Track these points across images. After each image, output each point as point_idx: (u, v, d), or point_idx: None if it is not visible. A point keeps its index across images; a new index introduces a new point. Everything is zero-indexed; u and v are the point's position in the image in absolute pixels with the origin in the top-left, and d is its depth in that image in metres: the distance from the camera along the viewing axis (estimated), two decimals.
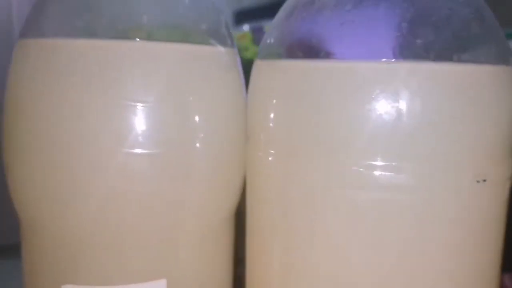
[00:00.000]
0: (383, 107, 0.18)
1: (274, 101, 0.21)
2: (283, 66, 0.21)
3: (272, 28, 0.23)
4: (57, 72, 0.21)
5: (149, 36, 0.22)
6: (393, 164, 0.18)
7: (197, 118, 0.22)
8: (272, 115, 0.21)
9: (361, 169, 0.18)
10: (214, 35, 0.24)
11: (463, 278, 0.20)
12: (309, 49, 0.20)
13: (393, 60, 0.19)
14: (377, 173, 0.18)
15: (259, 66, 0.23)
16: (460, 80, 0.19)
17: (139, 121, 0.21)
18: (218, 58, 0.23)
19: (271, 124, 0.21)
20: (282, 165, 0.21)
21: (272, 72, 0.21)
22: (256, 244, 0.24)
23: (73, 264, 0.21)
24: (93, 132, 0.20)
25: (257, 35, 0.60)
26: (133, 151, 0.20)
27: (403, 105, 0.18)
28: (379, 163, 0.18)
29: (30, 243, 0.23)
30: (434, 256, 0.19)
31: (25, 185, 0.22)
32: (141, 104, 0.21)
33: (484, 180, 0.19)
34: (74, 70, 0.21)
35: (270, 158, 0.21)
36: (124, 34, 0.22)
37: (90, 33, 0.22)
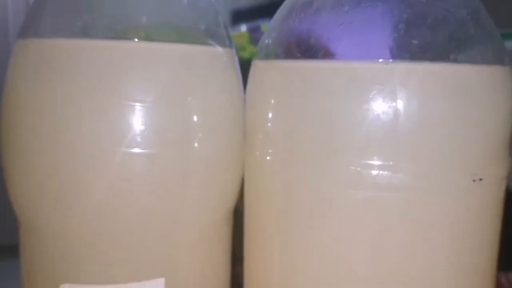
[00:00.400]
0: (380, 107, 0.18)
1: (272, 101, 0.21)
2: (281, 66, 0.21)
3: (270, 28, 0.23)
4: (55, 72, 0.21)
5: (148, 37, 0.22)
6: (390, 163, 0.18)
7: (195, 118, 0.22)
8: (270, 115, 0.21)
9: (359, 169, 0.19)
10: (212, 36, 0.24)
11: (460, 275, 0.20)
12: (307, 50, 0.20)
13: (390, 60, 0.19)
14: (374, 172, 0.18)
15: (257, 66, 0.23)
16: (456, 80, 0.19)
17: (138, 121, 0.21)
18: (217, 58, 0.24)
19: (269, 124, 0.21)
20: (280, 165, 0.21)
21: (270, 72, 0.22)
22: (254, 243, 0.24)
23: (71, 263, 0.21)
24: (92, 132, 0.20)
25: (254, 35, 0.60)
26: (131, 150, 0.21)
27: (400, 105, 0.18)
28: (376, 162, 0.18)
29: (28, 243, 0.23)
30: (431, 253, 0.19)
31: (24, 187, 0.22)
32: (140, 104, 0.21)
33: (481, 179, 0.19)
34: (73, 70, 0.21)
35: (268, 158, 0.22)
36: (123, 34, 0.22)
37: (89, 33, 0.22)
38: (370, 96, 0.18)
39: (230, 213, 0.25)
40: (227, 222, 0.25)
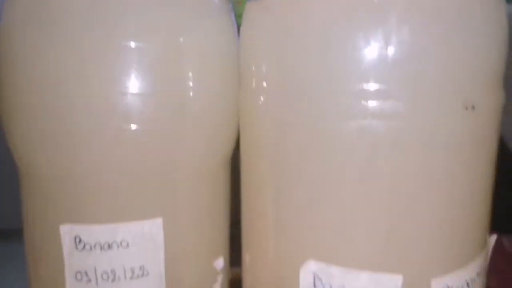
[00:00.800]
0: (372, 34, 0.18)
1: (264, 39, 0.21)
2: (271, 2, 0.21)
3: None
4: (48, 16, 0.21)
5: None
6: (383, 91, 0.18)
7: (189, 59, 0.22)
8: (262, 54, 0.21)
9: (352, 98, 0.19)
10: None
11: (452, 206, 0.20)
12: None
13: None
14: (367, 101, 0.18)
15: (249, 8, 0.23)
16: (450, 6, 0.19)
17: (132, 62, 0.21)
18: (210, 2, 0.24)
19: (261, 63, 0.21)
20: (273, 103, 0.21)
21: (261, 11, 0.22)
22: (250, 187, 0.24)
23: (71, 204, 0.22)
24: (87, 73, 0.21)
25: None
26: (127, 91, 0.21)
27: (391, 31, 0.18)
28: (369, 90, 0.18)
29: (28, 187, 0.23)
30: (425, 182, 0.19)
31: (22, 131, 0.22)
32: (134, 45, 0.21)
33: (473, 107, 0.19)
34: (65, 12, 0.21)
35: (261, 98, 0.22)
36: None
37: None
38: (361, 23, 0.18)
39: (228, 158, 0.25)
40: (225, 168, 0.25)
